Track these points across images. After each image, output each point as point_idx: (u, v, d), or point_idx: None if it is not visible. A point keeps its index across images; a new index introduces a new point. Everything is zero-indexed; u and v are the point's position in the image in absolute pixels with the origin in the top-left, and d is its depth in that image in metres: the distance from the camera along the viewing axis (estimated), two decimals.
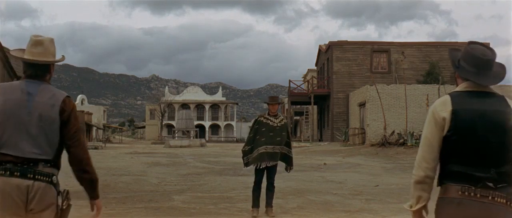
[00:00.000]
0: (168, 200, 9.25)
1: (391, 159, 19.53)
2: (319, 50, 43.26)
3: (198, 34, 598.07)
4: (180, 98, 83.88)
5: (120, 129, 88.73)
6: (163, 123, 76.62)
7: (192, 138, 45.15)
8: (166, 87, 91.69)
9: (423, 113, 25.44)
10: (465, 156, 2.53)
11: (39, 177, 2.76)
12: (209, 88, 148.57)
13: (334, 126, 35.82)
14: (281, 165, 7.70)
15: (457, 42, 37.57)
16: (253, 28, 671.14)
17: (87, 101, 78.69)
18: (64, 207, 2.88)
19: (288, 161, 7.62)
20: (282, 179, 10.25)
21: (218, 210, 8.17)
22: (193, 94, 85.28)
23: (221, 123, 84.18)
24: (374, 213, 7.93)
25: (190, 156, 24.12)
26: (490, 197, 2.48)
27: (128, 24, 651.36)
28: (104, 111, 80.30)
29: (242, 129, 76.60)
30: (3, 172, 2.75)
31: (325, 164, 18.07)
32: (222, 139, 79.31)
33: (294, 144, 33.36)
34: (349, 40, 38.35)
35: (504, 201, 2.49)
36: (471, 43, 2.71)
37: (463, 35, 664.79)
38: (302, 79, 54.19)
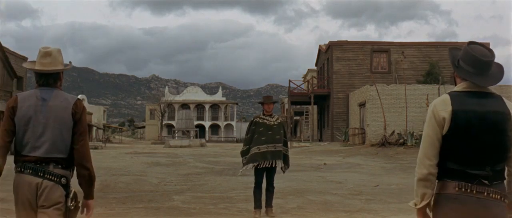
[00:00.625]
0: (168, 200, 9.25)
1: (391, 159, 19.53)
2: (319, 50, 43.24)
3: (198, 34, 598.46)
4: (180, 98, 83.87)
5: (120, 129, 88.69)
6: (163, 123, 76.61)
7: (192, 138, 45.15)
8: (166, 87, 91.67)
9: (423, 113, 25.43)
10: (462, 154, 2.61)
11: (48, 176, 3.06)
12: (209, 88, 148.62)
13: (334, 126, 35.80)
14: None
15: (457, 42, 37.57)
16: (253, 28, 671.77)
17: (87, 101, 78.57)
18: (72, 208, 3.13)
19: (285, 160, 7.60)
20: (282, 179, 10.24)
21: (218, 210, 8.17)
22: (193, 94, 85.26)
23: (221, 123, 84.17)
24: (374, 213, 7.92)
25: (190, 156, 24.12)
26: (485, 193, 2.57)
27: (129, 24, 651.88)
28: (104, 111, 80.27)
29: (242, 129, 76.51)
30: (19, 170, 3.12)
31: (325, 164, 18.07)
32: (222, 139, 79.30)
33: (294, 143, 33.54)
34: (349, 40, 38.33)
35: (499, 196, 2.59)
36: (470, 43, 2.75)
37: (463, 35, 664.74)
38: (302, 79, 54.19)
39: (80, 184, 3.21)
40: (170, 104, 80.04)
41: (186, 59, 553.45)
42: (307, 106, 42.47)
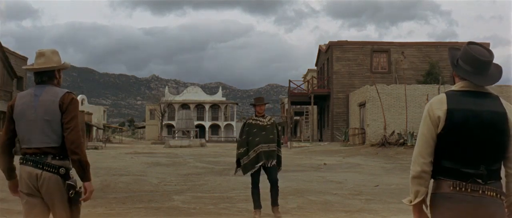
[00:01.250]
0: (168, 200, 9.25)
1: (391, 159, 19.52)
2: (319, 50, 43.23)
3: (199, 34, 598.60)
4: (180, 98, 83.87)
5: (120, 129, 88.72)
6: (163, 123, 76.59)
7: (192, 138, 45.16)
8: (166, 88, 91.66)
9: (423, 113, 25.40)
10: (457, 153, 2.62)
11: (47, 168, 3.32)
12: (209, 89, 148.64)
13: (334, 126, 35.80)
14: None
15: (457, 42, 37.54)
16: (253, 29, 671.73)
17: (87, 101, 78.64)
18: (72, 196, 3.37)
19: (278, 161, 7.60)
20: (282, 179, 10.23)
21: (218, 210, 8.16)
22: (193, 95, 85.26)
23: (221, 123, 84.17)
24: (374, 213, 7.92)
25: (190, 156, 24.12)
26: (480, 191, 2.59)
27: (129, 24, 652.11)
28: (104, 111, 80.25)
29: None
30: (22, 161, 3.39)
31: (325, 164, 18.06)
32: (222, 139, 79.30)
33: (294, 143, 33.55)
34: (349, 40, 38.31)
35: (494, 194, 2.61)
36: (470, 43, 2.77)
37: (463, 36, 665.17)
38: (302, 79, 54.17)
39: (74, 168, 3.42)
40: (170, 105, 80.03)
41: (186, 59, 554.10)
42: (307, 106, 42.46)
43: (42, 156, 3.33)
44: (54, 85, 3.49)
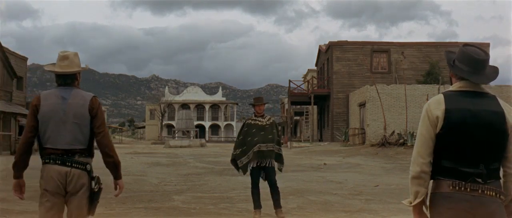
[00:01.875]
0: (168, 200, 9.25)
1: (391, 159, 19.53)
2: (319, 50, 43.23)
3: (199, 34, 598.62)
4: (180, 98, 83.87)
5: (120, 129, 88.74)
6: (163, 123, 76.58)
7: (192, 138, 45.13)
8: (166, 88, 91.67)
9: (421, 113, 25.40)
10: (456, 153, 2.63)
11: (75, 165, 3.50)
12: (209, 89, 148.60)
13: (334, 126, 35.80)
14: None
15: (457, 43, 37.50)
16: (253, 29, 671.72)
17: None
18: (96, 190, 3.59)
19: (280, 159, 7.60)
20: (282, 179, 10.24)
21: (218, 210, 8.16)
22: (193, 95, 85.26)
23: (221, 123, 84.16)
24: (374, 213, 7.92)
25: (190, 156, 24.13)
26: (480, 191, 2.60)
27: (129, 24, 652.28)
28: (104, 111, 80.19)
29: None
30: (48, 161, 3.51)
31: (325, 164, 18.06)
32: (222, 139, 79.28)
33: (294, 144, 33.54)
34: (349, 40, 38.32)
35: (494, 193, 2.61)
36: (465, 45, 2.82)
37: (463, 36, 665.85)
38: (302, 79, 54.16)
39: (108, 169, 3.68)
40: (170, 105, 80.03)
41: (186, 60, 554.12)
42: (307, 106, 42.46)
43: (70, 155, 3.50)
44: (77, 88, 3.66)
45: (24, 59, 36.53)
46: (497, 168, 2.68)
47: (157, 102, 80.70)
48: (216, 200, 9.27)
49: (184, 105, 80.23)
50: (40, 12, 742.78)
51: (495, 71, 2.80)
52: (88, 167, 3.57)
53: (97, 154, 3.67)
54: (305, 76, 56.09)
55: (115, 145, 3.92)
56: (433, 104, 2.71)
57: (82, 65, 3.73)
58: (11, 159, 3.38)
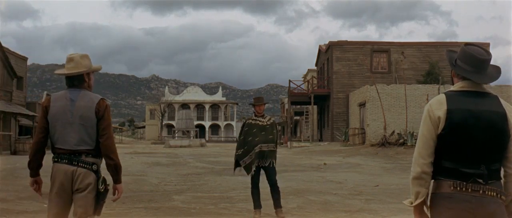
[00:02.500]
0: (168, 200, 9.25)
1: (391, 159, 19.53)
2: (319, 50, 43.22)
3: (199, 34, 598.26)
4: (180, 98, 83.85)
5: (120, 129, 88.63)
6: (163, 123, 76.58)
7: (192, 138, 45.15)
8: (166, 88, 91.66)
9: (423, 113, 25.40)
10: (457, 153, 2.62)
11: (81, 164, 3.57)
12: (209, 89, 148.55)
13: (334, 126, 35.80)
14: None
15: (457, 43, 37.50)
16: (254, 29, 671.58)
17: None
18: (102, 190, 3.65)
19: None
20: (282, 179, 10.24)
21: (218, 210, 8.16)
22: (193, 94, 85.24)
23: (221, 123, 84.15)
24: (374, 213, 7.92)
25: (190, 156, 24.12)
26: (481, 191, 2.59)
27: (129, 24, 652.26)
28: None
29: None
30: (57, 160, 3.61)
31: (325, 164, 18.06)
32: (222, 139, 79.29)
33: (294, 143, 33.56)
34: (349, 40, 38.31)
35: (495, 194, 2.60)
36: (467, 44, 2.80)
37: (463, 36, 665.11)
38: (302, 79, 54.15)
39: (108, 171, 3.70)
40: (170, 105, 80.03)
41: (187, 60, 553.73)
42: (307, 106, 42.45)
43: (77, 154, 3.58)
44: (86, 89, 3.70)
45: (24, 59, 36.52)
46: (498, 168, 2.66)
47: (157, 102, 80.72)
48: (216, 200, 9.27)
49: (184, 105, 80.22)
50: (40, 12, 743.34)
51: (497, 71, 2.78)
52: (94, 167, 3.63)
53: None
54: (305, 76, 56.07)
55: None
56: (435, 104, 2.70)
57: (96, 66, 3.78)
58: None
